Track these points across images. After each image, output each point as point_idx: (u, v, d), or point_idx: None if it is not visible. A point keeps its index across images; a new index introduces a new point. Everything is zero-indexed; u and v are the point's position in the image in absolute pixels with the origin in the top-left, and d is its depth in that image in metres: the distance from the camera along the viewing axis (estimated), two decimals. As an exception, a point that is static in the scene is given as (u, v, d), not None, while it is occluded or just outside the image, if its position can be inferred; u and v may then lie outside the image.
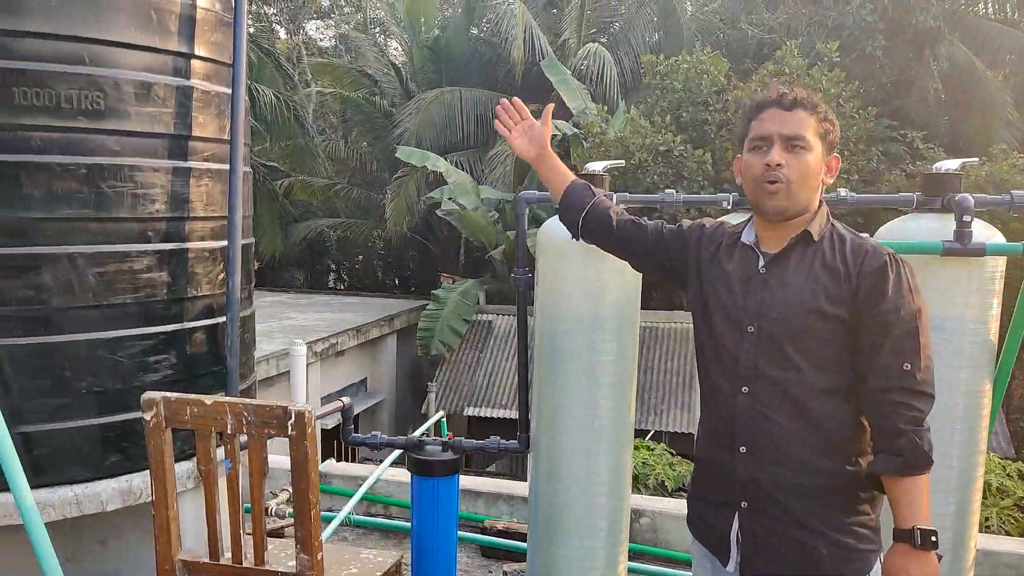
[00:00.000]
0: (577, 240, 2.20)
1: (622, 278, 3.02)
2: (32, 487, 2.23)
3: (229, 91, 2.74)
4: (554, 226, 3.12)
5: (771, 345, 1.76)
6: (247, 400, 2.21)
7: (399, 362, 13.07)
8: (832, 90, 10.66)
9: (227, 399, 2.19)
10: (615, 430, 3.04)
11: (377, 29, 22.52)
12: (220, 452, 2.19)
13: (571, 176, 2.22)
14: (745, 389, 1.79)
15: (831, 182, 1.86)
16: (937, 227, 2.61)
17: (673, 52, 14.00)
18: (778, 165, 1.74)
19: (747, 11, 14.85)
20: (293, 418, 2.12)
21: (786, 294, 1.77)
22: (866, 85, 12.37)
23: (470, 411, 11.37)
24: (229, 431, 2.19)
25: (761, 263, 1.82)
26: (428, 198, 14.01)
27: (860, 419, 1.76)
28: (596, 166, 3.16)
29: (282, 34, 22.01)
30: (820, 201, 1.83)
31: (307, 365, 7.27)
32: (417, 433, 4.56)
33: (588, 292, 2.97)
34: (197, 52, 2.61)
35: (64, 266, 2.37)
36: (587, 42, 15.59)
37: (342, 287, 21.29)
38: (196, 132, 2.63)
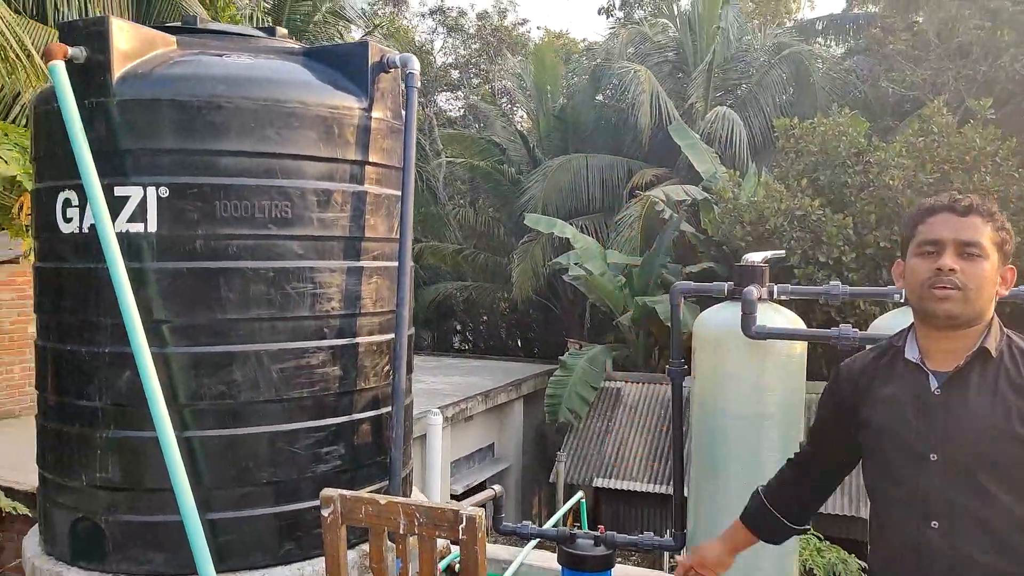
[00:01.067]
0: (802, 529, 2.09)
1: (786, 372, 2.92)
2: (217, 571, 2.35)
3: (399, 193, 2.88)
4: (712, 318, 3.07)
5: (962, 475, 1.63)
6: (419, 501, 2.26)
7: (526, 428, 13.06)
8: (988, 148, 10.05)
9: (400, 500, 2.24)
10: (779, 533, 2.89)
11: (504, 99, 23.29)
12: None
13: (739, 525, 2.14)
14: (936, 524, 1.65)
15: (1006, 294, 1.73)
16: None
17: (805, 112, 13.68)
18: (951, 270, 1.63)
19: (886, 68, 14.35)
20: (464, 522, 2.15)
21: (972, 419, 1.64)
22: None
23: (599, 482, 11.16)
24: (401, 531, 2.24)
25: (934, 384, 1.69)
26: (555, 263, 14.14)
27: None
28: (754, 257, 3.10)
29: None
30: (993, 314, 1.71)
31: (442, 434, 7.40)
32: (556, 516, 4.52)
33: (750, 387, 2.88)
34: (371, 159, 2.78)
35: (252, 363, 2.53)
36: (714, 105, 15.50)
37: (467, 347, 21.67)
38: (368, 233, 2.78)
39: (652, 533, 3.33)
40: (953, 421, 1.65)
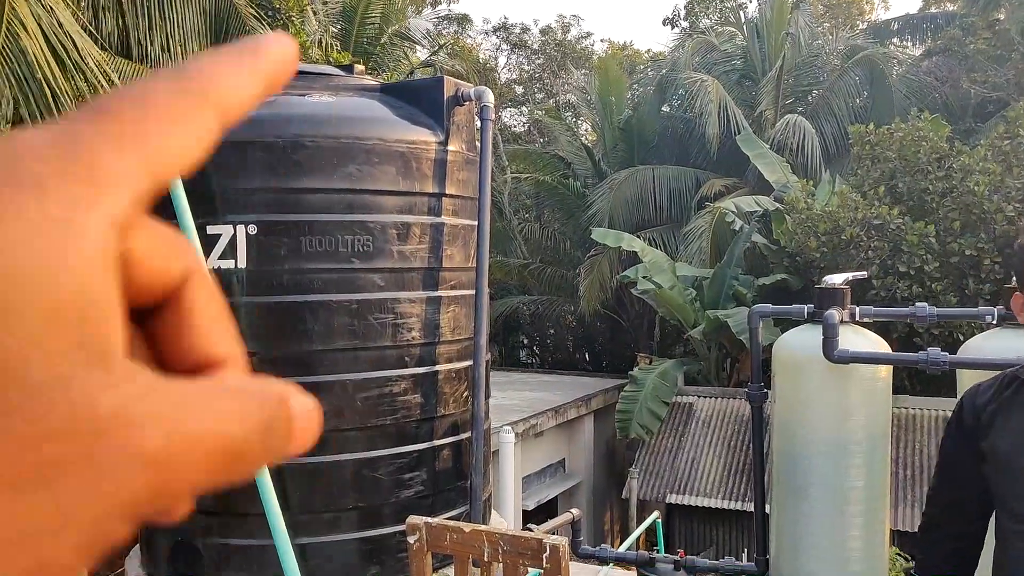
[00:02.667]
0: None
1: (871, 397, 2.85)
2: (306, 597, 2.43)
3: (474, 222, 2.94)
4: (792, 341, 3.02)
5: None
6: (503, 530, 2.29)
7: (596, 443, 12.98)
8: (1078, 151, 9.60)
9: (484, 528, 2.28)
10: (866, 562, 2.82)
11: (569, 113, 23.34)
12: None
13: None
14: None
15: None
16: None
17: (881, 116, 13.28)
18: None
19: (967, 68, 13.83)
20: (548, 551, 2.17)
21: None
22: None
23: (672, 498, 11.01)
24: (485, 559, 2.27)
25: None
26: (623, 276, 14.05)
27: None
28: (835, 279, 3.04)
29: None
30: None
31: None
32: (632, 537, 4.49)
33: (833, 413, 2.82)
34: (448, 191, 2.84)
35: (337, 392, 2.61)
36: (784, 113, 15.19)
37: (534, 362, 21.69)
38: (446, 263, 2.84)
39: (732, 558, 3.28)
40: None
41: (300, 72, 3.00)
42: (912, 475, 10.05)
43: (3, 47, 5.53)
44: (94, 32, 7.57)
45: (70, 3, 7.59)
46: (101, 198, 0.21)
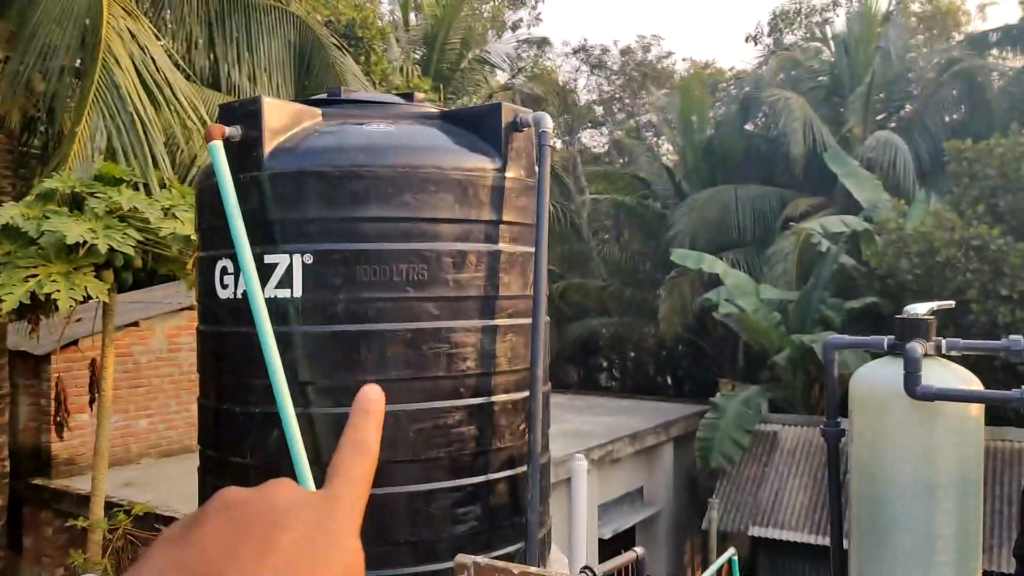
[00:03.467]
0: None
1: (960, 437, 2.63)
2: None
3: (532, 249, 2.87)
4: (870, 375, 2.83)
5: None
6: (554, 573, 2.20)
7: (676, 471, 12.64)
8: None
9: (534, 571, 2.19)
10: (958, 619, 2.58)
11: (649, 133, 23.12)
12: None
13: None
14: None
15: None
16: None
17: (980, 132, 12.59)
18: None
19: (1075, 79, 12.99)
20: (599, 598, 2.07)
21: None
22: None
23: (755, 531, 10.58)
24: (535, 602, 2.18)
25: None
26: (705, 299, 13.71)
27: None
28: (919, 308, 2.83)
29: (558, 144, 23.43)
30: None
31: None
32: (707, 574, 4.29)
33: (917, 454, 2.61)
34: (505, 218, 2.79)
35: (390, 423, 2.57)
36: (874, 130, 14.61)
37: (614, 384, 21.39)
38: (502, 292, 2.78)
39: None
40: None
41: (360, 101, 3.03)
42: (1015, 513, 9.35)
43: (98, 82, 5.84)
44: (184, 67, 7.93)
45: (163, 36, 7.99)
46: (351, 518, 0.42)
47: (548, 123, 2.85)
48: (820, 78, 16.87)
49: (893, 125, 15.27)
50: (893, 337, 2.77)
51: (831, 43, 17.24)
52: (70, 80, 7.20)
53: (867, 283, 12.22)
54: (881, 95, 15.63)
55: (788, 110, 14.46)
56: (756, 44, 23.39)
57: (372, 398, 0.51)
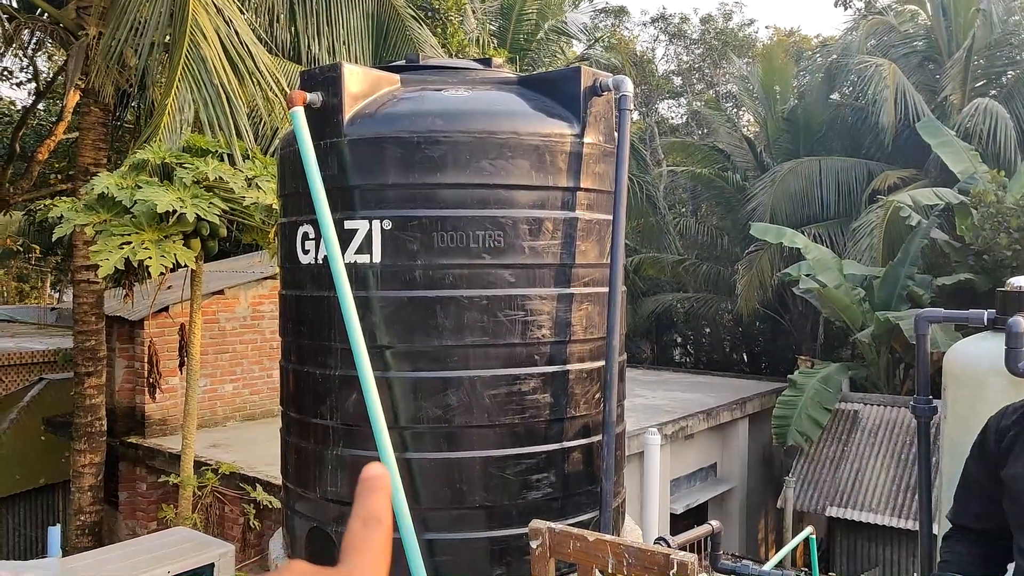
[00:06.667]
0: None
1: (1064, 420, 2.46)
2: (432, 591, 2.43)
3: (610, 217, 2.83)
4: (968, 350, 2.69)
5: None
6: (629, 541, 2.18)
7: (751, 448, 12.41)
8: None
9: (609, 539, 2.18)
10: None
11: (729, 103, 22.47)
12: None
13: None
14: None
15: None
16: None
17: (1091, 99, 11.75)
18: None
19: None
20: (675, 568, 2.04)
21: None
22: None
23: (832, 511, 10.32)
24: (610, 570, 2.17)
25: None
26: (784, 274, 13.32)
27: None
28: (1022, 281, 2.66)
29: (635, 116, 23.02)
30: None
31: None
32: (782, 553, 4.20)
33: (1016, 435, 2.47)
34: (582, 185, 2.75)
35: (466, 388, 2.59)
36: (973, 97, 13.80)
37: (688, 361, 21.10)
38: (579, 260, 2.75)
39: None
40: None
41: (437, 67, 3.02)
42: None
43: (186, 55, 6.01)
44: (267, 40, 8.10)
45: (247, 10, 8.16)
46: None
47: (628, 87, 2.78)
48: (915, 43, 16.01)
49: (994, 92, 14.39)
50: (994, 311, 2.62)
51: (928, 5, 16.31)
52: (160, 54, 7.45)
53: (961, 259, 11.63)
54: (981, 61, 14.73)
55: (879, 77, 13.79)
56: (846, 8, 22.32)
57: (377, 474, 0.51)
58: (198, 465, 6.55)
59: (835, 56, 16.74)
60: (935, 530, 2.89)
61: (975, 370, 2.55)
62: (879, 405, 11.38)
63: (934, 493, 2.84)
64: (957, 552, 1.76)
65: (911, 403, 2.82)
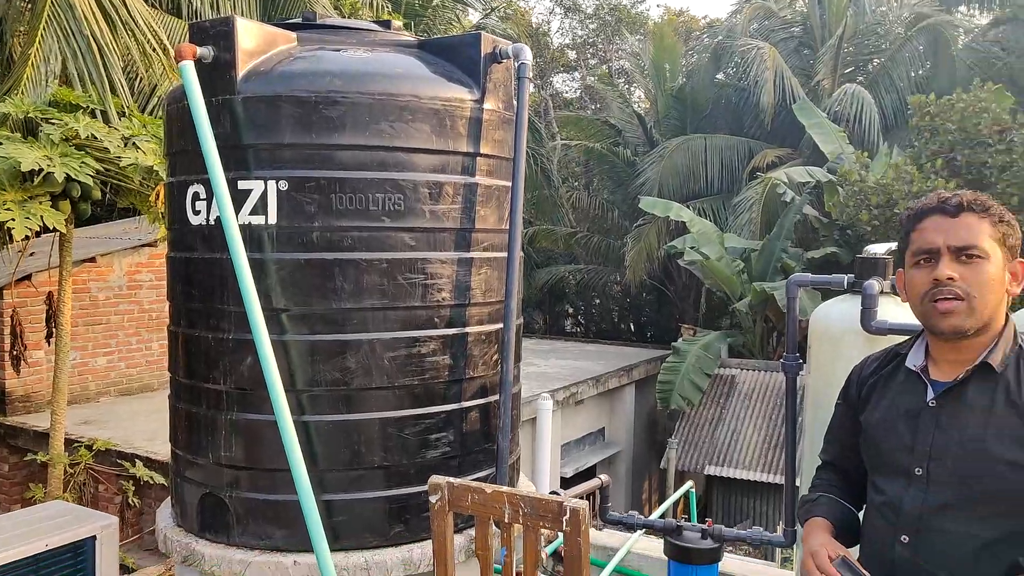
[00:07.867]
0: None
1: (913, 374, 2.73)
2: (331, 550, 2.46)
3: (509, 184, 2.88)
4: (830, 311, 2.93)
5: (939, 493, 1.56)
6: (524, 492, 2.27)
7: (637, 413, 12.94)
8: None
9: (505, 490, 2.26)
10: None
11: (622, 79, 22.94)
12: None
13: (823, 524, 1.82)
14: (905, 539, 1.59)
15: (1018, 292, 1.61)
16: None
17: (943, 88, 12.74)
18: (949, 279, 1.53)
19: (1038, 37, 13.16)
20: (568, 514, 2.14)
21: (962, 436, 1.55)
22: None
23: (711, 470, 10.94)
24: (506, 520, 2.25)
25: (930, 395, 1.62)
26: (670, 247, 13.86)
27: None
28: (877, 248, 2.92)
29: (530, 88, 23.11)
30: (1006, 318, 1.60)
31: (551, 418, 7.42)
32: (664, 506, 4.45)
33: (873, 388, 2.72)
34: (482, 151, 2.79)
35: (365, 351, 2.60)
36: (843, 82, 14.69)
37: (579, 331, 21.67)
38: (479, 224, 2.80)
39: (762, 528, 3.23)
40: (941, 436, 1.58)
41: (336, 27, 2.97)
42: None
43: (51, 2, 5.60)
44: (145, -10, 7.63)
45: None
46: None
47: (527, 55, 2.83)
48: (792, 29, 16.84)
49: (861, 79, 15.36)
50: (852, 276, 2.86)
51: (805, -8, 17.17)
52: (20, 1, 6.91)
53: (828, 233, 12.45)
54: (851, 48, 15.67)
55: (760, 60, 14.45)
56: (730, -9, 23.17)
57: None
58: (69, 443, 6.23)
59: (720, 38, 17.39)
60: (797, 483, 3.14)
61: (835, 329, 2.78)
62: (754, 370, 12.09)
63: (798, 450, 3.08)
64: (824, 479, 1.95)
65: (781, 362, 3.05)
